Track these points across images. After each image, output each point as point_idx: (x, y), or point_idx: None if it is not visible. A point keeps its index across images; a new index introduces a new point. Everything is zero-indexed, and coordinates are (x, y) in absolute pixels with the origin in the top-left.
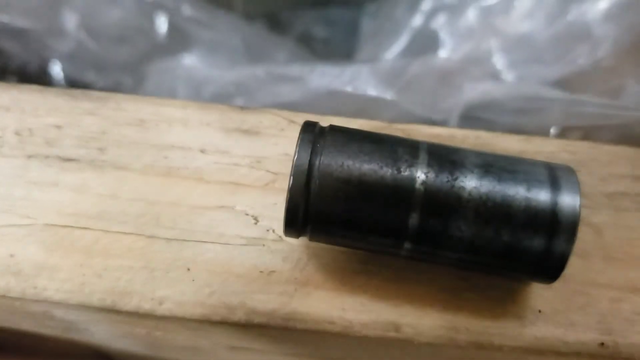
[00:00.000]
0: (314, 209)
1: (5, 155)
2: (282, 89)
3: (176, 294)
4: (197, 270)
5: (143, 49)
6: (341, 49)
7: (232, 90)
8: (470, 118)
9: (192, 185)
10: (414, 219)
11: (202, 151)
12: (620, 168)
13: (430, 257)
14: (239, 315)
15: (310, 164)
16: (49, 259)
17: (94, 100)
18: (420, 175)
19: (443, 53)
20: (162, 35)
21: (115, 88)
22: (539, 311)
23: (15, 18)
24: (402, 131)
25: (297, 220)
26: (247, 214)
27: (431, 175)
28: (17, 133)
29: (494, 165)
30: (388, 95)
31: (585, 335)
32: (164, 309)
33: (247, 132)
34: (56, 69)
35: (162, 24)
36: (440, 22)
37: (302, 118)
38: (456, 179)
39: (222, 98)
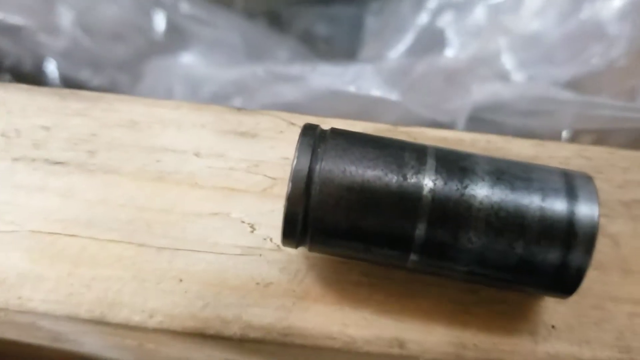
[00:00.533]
0: (314, 217)
1: None
2: (283, 88)
3: (167, 306)
4: (189, 281)
5: (140, 47)
6: (344, 47)
7: (231, 90)
8: (478, 120)
9: (186, 190)
10: (420, 230)
11: (196, 154)
12: (638, 174)
13: (437, 269)
14: (233, 330)
15: (311, 170)
16: (34, 267)
17: (84, 100)
18: (428, 182)
19: (450, 52)
20: (159, 33)
21: (111, 87)
22: (552, 327)
23: (9, 14)
24: (407, 134)
25: (295, 229)
26: (243, 222)
27: (439, 182)
28: (3, 134)
29: (506, 172)
30: (392, 95)
31: (601, 352)
32: (155, 321)
33: (243, 134)
34: (51, 67)
35: (159, 21)
36: (446, 20)
37: (302, 120)
38: (466, 186)
39: (220, 98)
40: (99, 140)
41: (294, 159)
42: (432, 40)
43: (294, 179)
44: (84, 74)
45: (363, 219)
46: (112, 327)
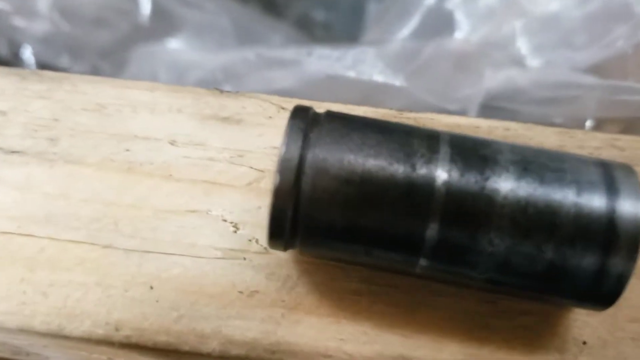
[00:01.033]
0: (305, 214)
1: None
2: (275, 74)
3: (136, 317)
4: (161, 288)
5: (124, 32)
6: (344, 34)
7: (219, 76)
8: (491, 108)
9: (158, 183)
10: (432, 230)
11: (172, 143)
12: None
13: (451, 276)
14: (212, 346)
15: (301, 158)
16: None
17: (46, 81)
18: (442, 173)
19: (460, 35)
20: (145, 17)
21: (92, 75)
22: (584, 343)
23: None
24: (415, 121)
25: (284, 228)
26: (224, 220)
27: (455, 173)
28: None
29: (534, 162)
30: (397, 81)
31: None
32: (121, 335)
33: (226, 120)
34: (27, 53)
35: (145, 4)
36: (455, 1)
37: (293, 104)
38: (487, 178)
39: (207, 85)
40: (61, 126)
41: (282, 145)
42: (440, 23)
43: (282, 169)
44: (63, 61)
45: (363, 217)
46: (72, 341)
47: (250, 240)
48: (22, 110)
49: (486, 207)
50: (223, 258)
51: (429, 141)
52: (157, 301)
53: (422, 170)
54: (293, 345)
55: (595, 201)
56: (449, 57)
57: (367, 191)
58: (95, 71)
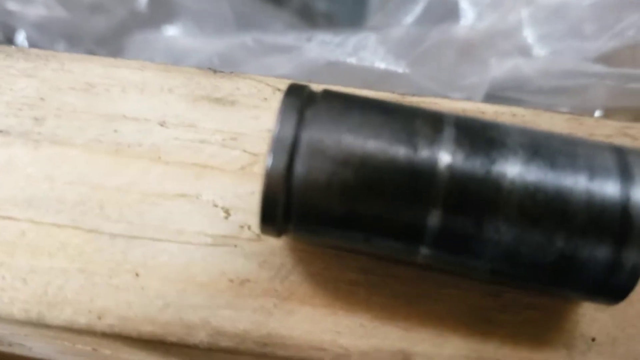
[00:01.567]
0: (300, 198)
1: None
2: (274, 60)
3: (120, 306)
4: (148, 276)
5: (120, 18)
6: (347, 23)
7: (216, 62)
8: (497, 98)
9: (147, 166)
10: (434, 216)
11: (161, 124)
12: None
13: (454, 267)
14: (200, 337)
15: (296, 138)
16: None
17: (33, 59)
18: (445, 156)
19: (465, 23)
20: (142, 3)
21: None
22: (593, 339)
23: None
24: (417, 105)
25: (276, 212)
26: (215, 206)
27: (459, 156)
28: None
29: (544, 145)
30: (399, 68)
31: None
32: (104, 324)
33: (219, 101)
34: (21, 38)
35: None
36: None
37: None
38: (494, 162)
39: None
40: (47, 105)
41: (275, 124)
42: (444, 10)
43: (275, 149)
44: (59, 47)
45: (362, 202)
46: (53, 330)
47: (242, 227)
48: (6, 88)
49: (492, 192)
50: (213, 245)
51: (433, 122)
52: (142, 289)
53: (424, 152)
54: (286, 337)
55: (609, 187)
56: (454, 44)
57: (366, 174)
58: None
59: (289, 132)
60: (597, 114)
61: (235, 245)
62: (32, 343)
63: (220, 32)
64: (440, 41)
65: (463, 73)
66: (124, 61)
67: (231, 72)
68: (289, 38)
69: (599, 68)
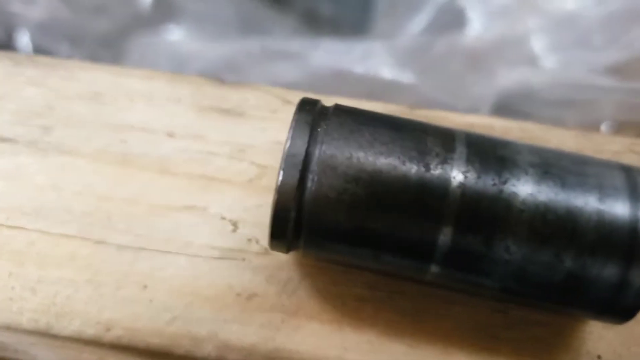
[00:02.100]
0: (310, 214)
1: None
2: (280, 67)
3: (128, 317)
4: (155, 288)
5: (124, 21)
6: (352, 28)
7: (221, 68)
8: (504, 109)
9: (154, 177)
10: (445, 235)
11: (170, 135)
12: None
13: (463, 284)
14: (207, 350)
15: (307, 155)
16: None
17: (41, 66)
18: (457, 174)
19: (472, 32)
20: (145, 5)
21: None
22: (598, 357)
23: None
24: (426, 118)
25: (286, 228)
26: (223, 218)
27: (472, 175)
28: None
29: (555, 165)
30: (406, 78)
31: None
32: (112, 336)
33: (228, 112)
34: (24, 39)
35: None
36: None
37: (299, 97)
38: (505, 181)
39: (208, 77)
40: (55, 114)
41: (287, 140)
42: (451, 19)
43: (287, 165)
44: (62, 49)
45: (372, 219)
46: (61, 340)
47: (249, 240)
48: (14, 96)
49: (503, 211)
50: (220, 258)
51: (444, 140)
52: (150, 301)
53: (436, 171)
54: (293, 352)
55: (619, 208)
56: (461, 54)
57: (377, 191)
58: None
59: (300, 147)
60: (605, 127)
61: (243, 259)
62: (38, 351)
63: (224, 35)
64: (447, 51)
65: (470, 83)
66: (131, 70)
67: (239, 82)
68: (295, 45)
69: (607, 81)
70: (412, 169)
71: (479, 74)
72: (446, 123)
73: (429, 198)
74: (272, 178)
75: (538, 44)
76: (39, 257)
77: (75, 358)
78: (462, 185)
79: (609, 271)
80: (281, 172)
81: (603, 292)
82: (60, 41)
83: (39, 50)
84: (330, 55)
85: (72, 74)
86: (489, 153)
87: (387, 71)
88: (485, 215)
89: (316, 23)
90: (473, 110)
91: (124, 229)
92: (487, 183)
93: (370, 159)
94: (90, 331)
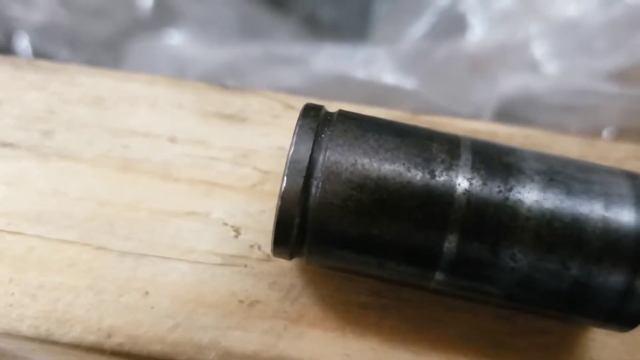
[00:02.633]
0: (314, 220)
1: None
2: (281, 71)
3: (130, 324)
4: (157, 295)
5: (124, 24)
6: (352, 32)
7: (222, 72)
8: (505, 115)
9: (157, 183)
10: (451, 242)
11: (172, 140)
12: None
13: (468, 292)
14: (210, 357)
15: (312, 160)
16: None
17: (42, 71)
18: (462, 181)
19: (473, 38)
20: (146, 9)
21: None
22: None
23: None
24: (429, 124)
25: (290, 235)
26: (225, 224)
27: (477, 182)
28: None
29: (561, 172)
30: (407, 83)
31: None
32: (114, 343)
33: (230, 117)
34: (23, 43)
35: None
36: (469, 2)
37: (301, 103)
38: (511, 189)
39: (209, 81)
40: (56, 118)
41: (290, 146)
42: (452, 25)
43: (290, 171)
44: (61, 52)
45: (376, 226)
46: (61, 347)
47: (252, 246)
48: (16, 100)
49: (509, 219)
50: (223, 264)
51: (449, 146)
52: (152, 308)
53: (441, 178)
54: (295, 359)
55: (624, 215)
56: (462, 59)
57: (382, 198)
58: (93, 64)
59: (304, 154)
60: (606, 133)
61: (245, 265)
62: (38, 357)
63: (225, 40)
64: (448, 56)
65: (471, 88)
66: (133, 75)
67: (241, 88)
68: (297, 49)
69: (609, 87)
70: (417, 175)
71: (481, 80)
72: (449, 129)
73: (434, 205)
74: (275, 184)
75: (540, 50)
76: (39, 262)
77: None
78: (467, 192)
79: (614, 279)
80: (285, 179)
81: (609, 300)
82: (60, 45)
83: (39, 53)
84: (332, 60)
85: (73, 78)
86: (494, 160)
87: (389, 76)
88: (491, 222)
89: (317, 28)
90: (474, 115)
91: (126, 235)
92: (493, 190)
93: (375, 165)
94: (91, 338)
